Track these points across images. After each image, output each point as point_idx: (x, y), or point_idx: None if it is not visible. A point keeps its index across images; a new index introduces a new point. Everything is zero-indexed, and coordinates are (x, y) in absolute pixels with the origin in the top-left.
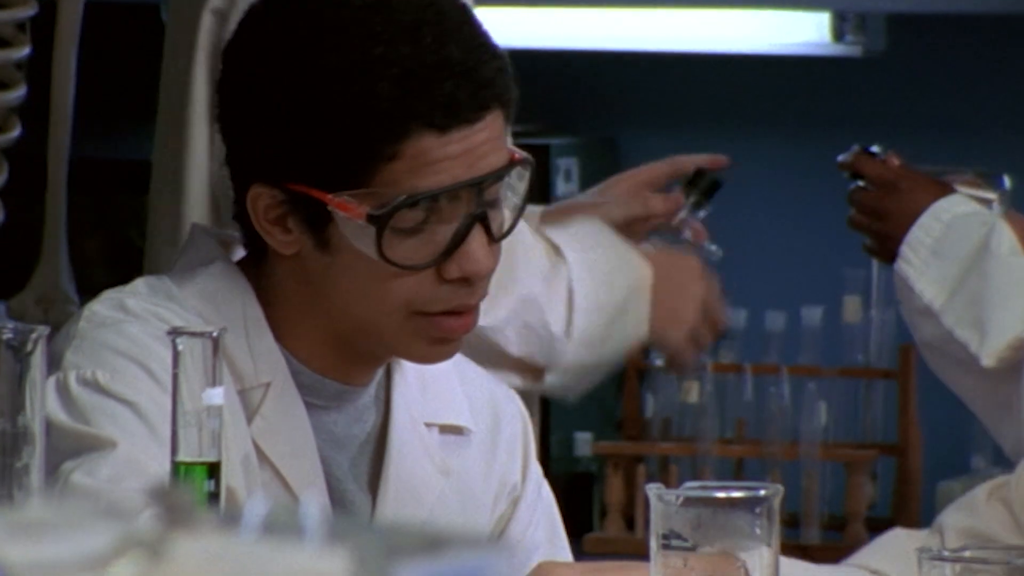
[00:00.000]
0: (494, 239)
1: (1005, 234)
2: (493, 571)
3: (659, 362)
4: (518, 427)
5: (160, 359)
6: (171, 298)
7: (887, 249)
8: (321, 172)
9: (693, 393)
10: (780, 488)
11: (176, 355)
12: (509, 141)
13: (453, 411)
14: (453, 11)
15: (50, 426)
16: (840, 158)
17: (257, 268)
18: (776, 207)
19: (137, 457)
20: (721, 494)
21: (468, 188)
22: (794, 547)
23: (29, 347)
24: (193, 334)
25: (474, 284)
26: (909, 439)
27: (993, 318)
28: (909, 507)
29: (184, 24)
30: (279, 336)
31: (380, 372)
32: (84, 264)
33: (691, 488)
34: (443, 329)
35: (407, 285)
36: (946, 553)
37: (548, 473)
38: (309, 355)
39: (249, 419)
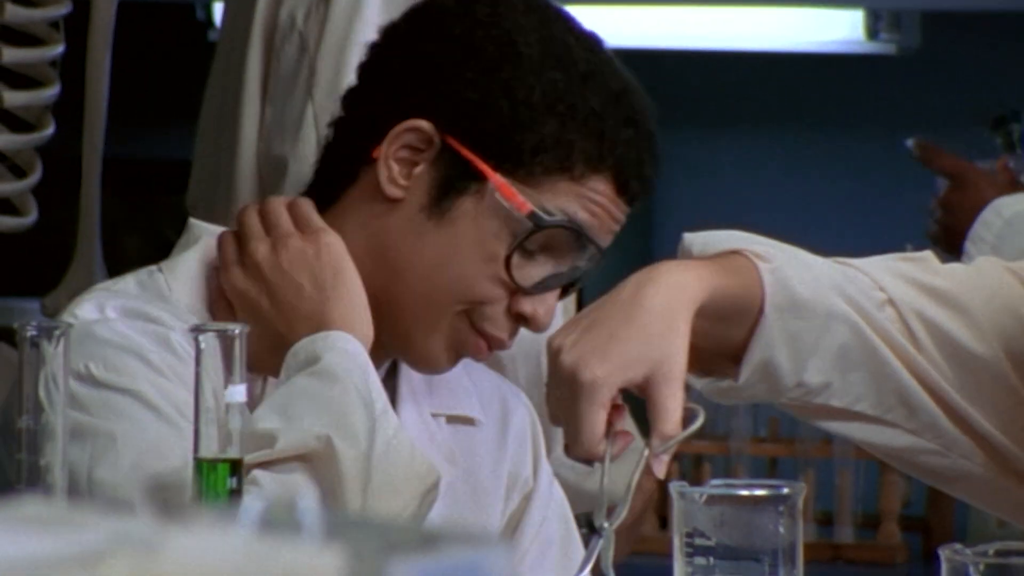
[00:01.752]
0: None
1: None
2: (489, 567)
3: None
4: (527, 422)
5: (149, 348)
6: (162, 297)
7: (952, 242)
8: (502, 149)
9: None
10: (803, 486)
11: (199, 352)
12: None
13: (461, 402)
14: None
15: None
16: (909, 143)
17: None
18: (808, 203)
19: (154, 443)
20: (744, 492)
21: (597, 253)
22: (827, 546)
23: (53, 344)
24: (215, 331)
25: (527, 328)
26: None
27: None
28: (943, 505)
29: (232, 10)
30: None
31: (384, 367)
32: (121, 263)
33: (714, 486)
34: (474, 346)
35: (486, 290)
36: (969, 552)
37: None
38: None
39: (253, 408)
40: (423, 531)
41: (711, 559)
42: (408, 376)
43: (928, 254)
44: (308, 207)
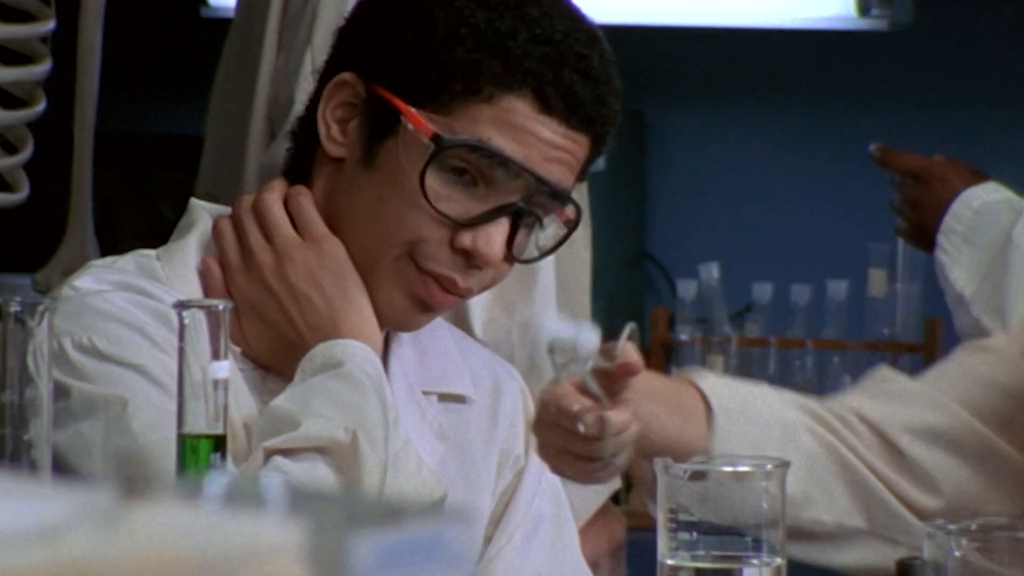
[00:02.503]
0: (511, 248)
1: None
2: (451, 541)
3: (684, 336)
4: (519, 400)
5: (150, 324)
6: (156, 278)
7: (923, 238)
8: (413, 84)
9: (718, 366)
10: (788, 462)
11: (182, 328)
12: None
13: (453, 379)
14: (606, 44)
15: (58, 393)
16: (871, 149)
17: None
18: (801, 181)
19: (163, 407)
20: (728, 468)
21: (530, 178)
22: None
23: (36, 320)
24: (199, 307)
25: (473, 267)
26: None
27: (1013, 307)
28: None
29: None
30: None
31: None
32: (115, 238)
33: (698, 462)
34: (427, 291)
35: (420, 228)
36: (952, 527)
37: None
38: None
39: (257, 391)
40: (386, 505)
41: (695, 534)
42: (400, 353)
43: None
44: (307, 206)
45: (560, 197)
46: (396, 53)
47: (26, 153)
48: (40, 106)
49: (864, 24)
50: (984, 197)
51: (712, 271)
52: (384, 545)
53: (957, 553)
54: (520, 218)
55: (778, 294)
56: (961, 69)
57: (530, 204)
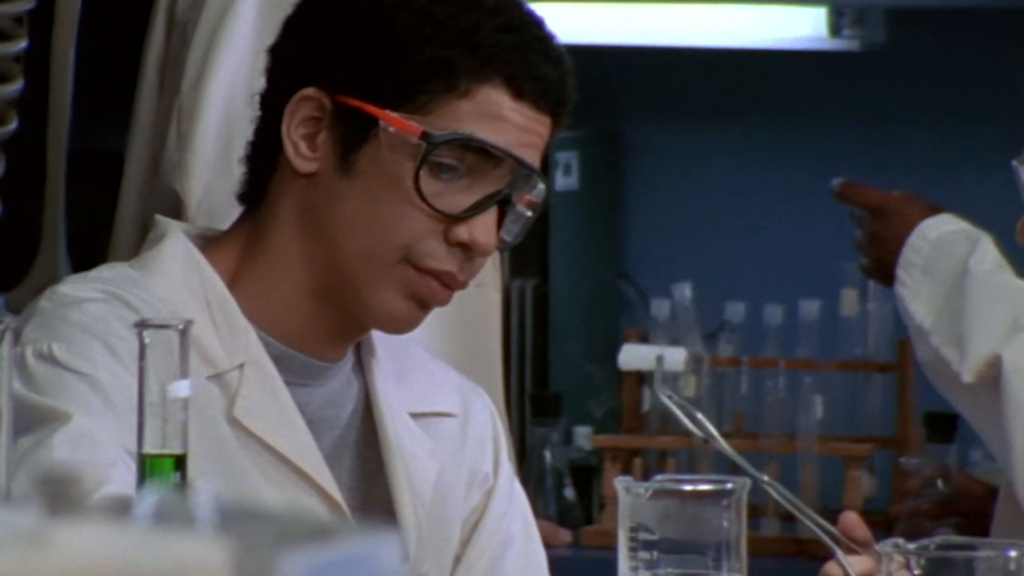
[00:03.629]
0: (501, 231)
1: (988, 251)
2: (380, 559)
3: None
4: (487, 420)
5: (121, 337)
6: (133, 283)
7: (885, 274)
8: (385, 88)
9: (691, 386)
10: (747, 481)
11: (142, 347)
12: None
13: (435, 398)
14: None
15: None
16: (832, 184)
17: (246, 221)
18: (774, 201)
19: (92, 429)
20: (688, 487)
21: (515, 164)
22: (790, 540)
23: None
24: (159, 326)
25: (470, 258)
26: (907, 432)
27: (971, 336)
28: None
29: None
30: (246, 310)
31: (351, 356)
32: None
33: (660, 481)
34: (426, 288)
35: (413, 227)
36: (911, 546)
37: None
38: (278, 327)
39: (231, 402)
40: (314, 523)
41: (655, 553)
42: (380, 376)
43: None
44: None
45: (534, 181)
46: (361, 60)
47: None
48: (12, 124)
49: (837, 44)
50: (939, 228)
51: (685, 291)
52: (312, 562)
53: (916, 572)
54: (506, 204)
55: (751, 314)
56: (934, 90)
57: (512, 189)
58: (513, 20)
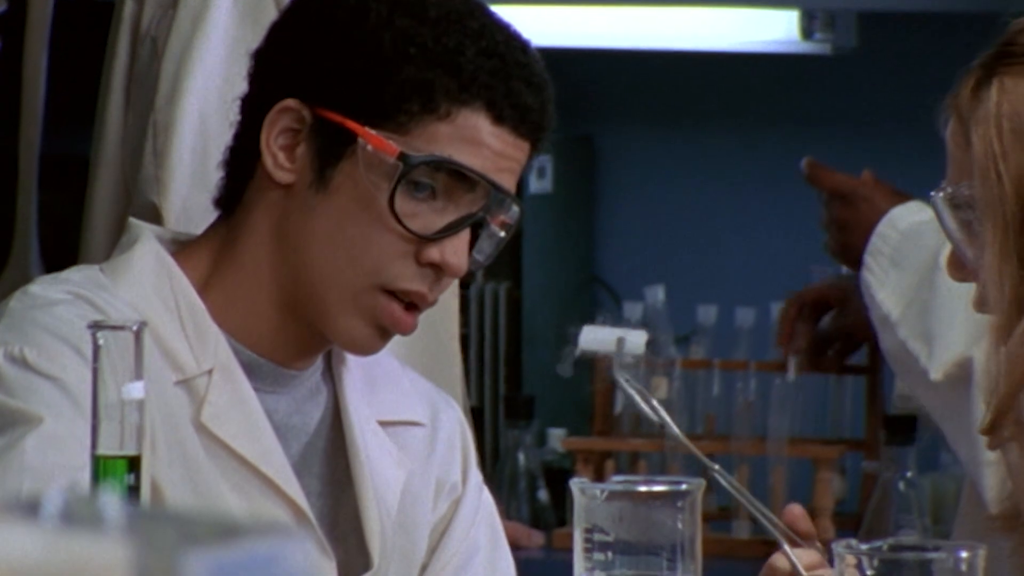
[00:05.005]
0: (473, 252)
1: None
2: (286, 559)
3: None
4: (456, 429)
5: (90, 340)
6: (102, 287)
7: (851, 259)
8: (366, 105)
9: (662, 389)
10: (702, 482)
11: (96, 349)
12: None
13: (404, 407)
14: (533, 48)
15: None
16: (802, 164)
17: (221, 227)
18: (745, 204)
19: (61, 433)
20: (643, 488)
21: (490, 188)
22: (761, 542)
23: None
24: (114, 328)
25: (441, 279)
26: (876, 435)
27: (940, 334)
28: (878, 502)
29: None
30: (216, 316)
31: (320, 364)
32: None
33: (615, 482)
34: (390, 317)
35: (384, 248)
36: (864, 547)
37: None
38: (247, 334)
39: (198, 407)
40: (220, 523)
41: (610, 554)
42: (350, 383)
43: None
44: None
45: (509, 204)
46: (343, 76)
47: None
48: None
49: (808, 48)
50: (910, 218)
51: (658, 294)
52: (217, 562)
53: (869, 572)
54: (478, 227)
55: (722, 316)
56: (905, 93)
57: (486, 213)
58: (497, 45)
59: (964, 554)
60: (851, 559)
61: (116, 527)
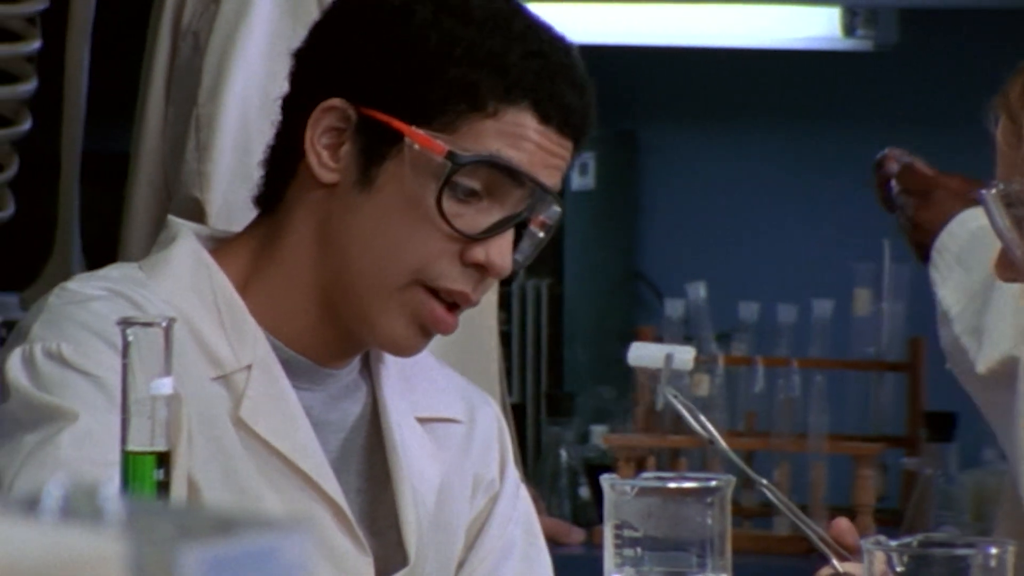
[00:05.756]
0: (515, 252)
1: None
2: (284, 553)
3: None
4: (493, 426)
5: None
6: (140, 284)
7: (920, 256)
8: (412, 105)
9: (704, 386)
10: (732, 478)
11: (126, 345)
12: None
13: (441, 404)
14: (576, 49)
15: (13, 395)
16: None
17: (261, 225)
18: (787, 201)
19: (97, 429)
20: (672, 484)
21: (536, 188)
22: (802, 539)
23: None
24: (143, 324)
25: (484, 279)
26: (917, 432)
27: (990, 330)
28: (919, 499)
29: (155, 9)
30: (255, 313)
31: (357, 361)
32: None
33: (645, 479)
34: (431, 316)
35: (428, 247)
36: (893, 543)
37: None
38: (286, 332)
39: (236, 403)
40: (218, 517)
41: (639, 550)
42: (388, 380)
43: None
44: None
45: (550, 203)
46: (389, 75)
47: (11, 171)
48: (25, 124)
49: (850, 44)
50: (982, 220)
51: (699, 290)
52: (213, 557)
53: (899, 569)
54: (522, 226)
55: (764, 313)
56: (947, 90)
57: (530, 212)
58: (542, 46)
59: (993, 551)
60: (881, 555)
61: (113, 522)
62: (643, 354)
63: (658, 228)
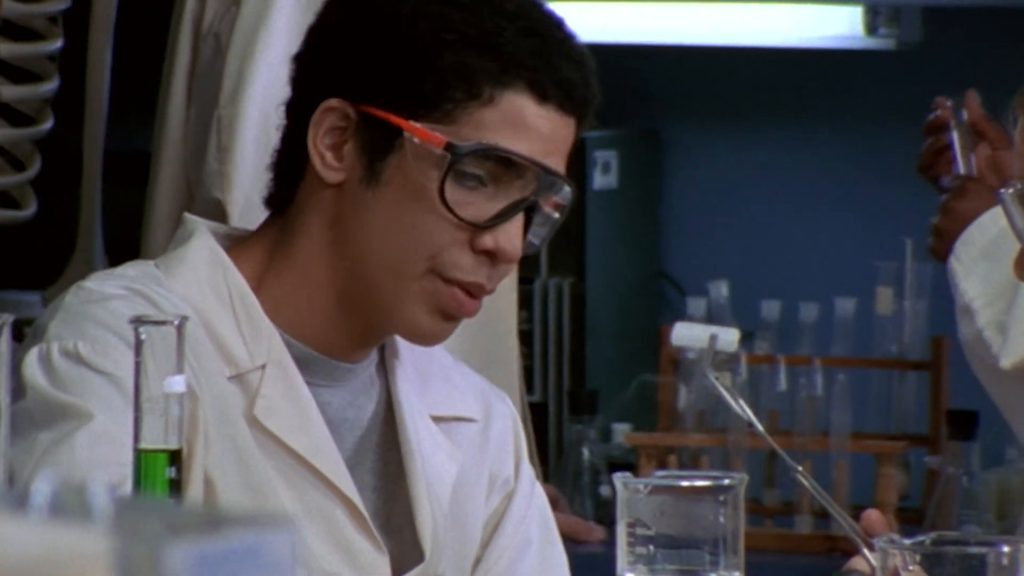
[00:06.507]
0: (529, 235)
1: None
2: (270, 549)
3: (692, 354)
4: (508, 424)
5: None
6: (157, 282)
7: (940, 245)
8: (408, 97)
9: (726, 383)
10: (744, 476)
11: (139, 343)
12: None
13: (455, 401)
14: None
15: (29, 394)
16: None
17: (273, 225)
18: (809, 199)
19: (112, 428)
20: (685, 483)
21: (539, 171)
22: (824, 537)
23: None
24: (156, 322)
25: (497, 266)
26: (939, 431)
27: (1017, 325)
28: (941, 498)
29: (176, 11)
30: (270, 312)
31: (374, 357)
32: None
33: (657, 477)
34: (453, 301)
35: (439, 237)
36: (906, 542)
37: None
38: (301, 329)
39: (251, 402)
40: (205, 514)
41: (651, 548)
42: (403, 378)
43: None
44: None
45: (559, 185)
46: (383, 70)
47: (33, 170)
48: (47, 124)
49: (872, 43)
50: None
51: (722, 289)
52: (200, 553)
53: (911, 567)
54: (531, 211)
55: (786, 312)
56: (970, 88)
57: (538, 195)
58: (534, 23)
59: (1006, 548)
60: (894, 554)
61: (101, 519)
62: (687, 334)
63: (680, 227)
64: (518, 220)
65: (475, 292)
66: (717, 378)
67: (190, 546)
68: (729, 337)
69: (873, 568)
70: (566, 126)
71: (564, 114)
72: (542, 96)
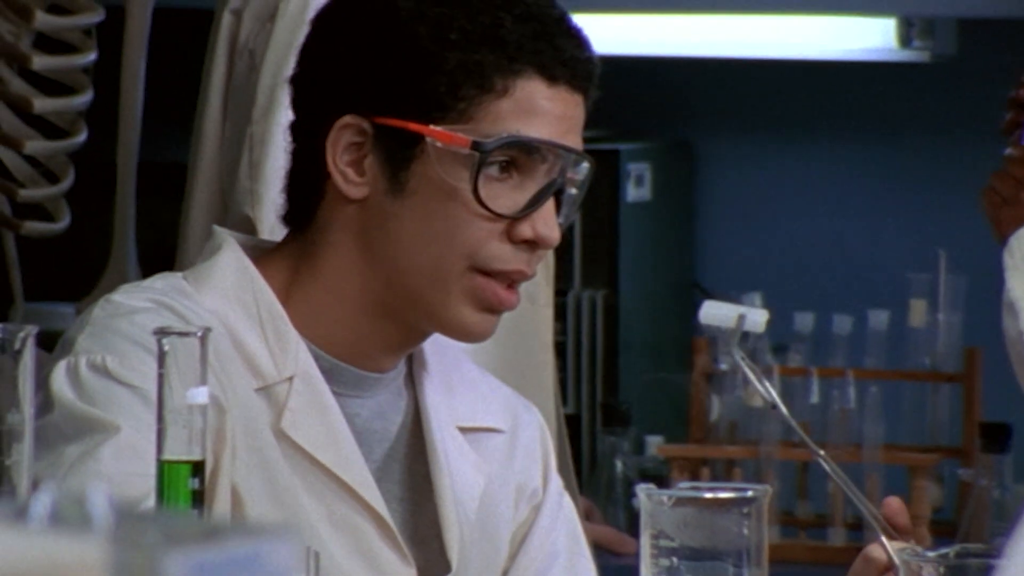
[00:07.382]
0: (558, 218)
1: None
2: (269, 559)
3: (725, 366)
4: (535, 435)
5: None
6: (185, 294)
7: (999, 232)
8: (422, 102)
9: (759, 397)
10: (768, 488)
11: (162, 354)
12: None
13: (483, 414)
14: None
15: (57, 407)
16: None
17: (295, 241)
18: (843, 211)
19: (138, 442)
20: (709, 495)
21: (560, 152)
22: (857, 549)
23: (18, 345)
24: (179, 334)
25: (535, 252)
26: (973, 443)
27: None
28: (975, 510)
29: (213, 26)
30: (298, 324)
31: (402, 368)
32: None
33: (681, 488)
34: (493, 296)
35: (475, 234)
36: (930, 554)
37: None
38: (329, 341)
39: (278, 414)
40: (205, 524)
41: (675, 560)
42: (430, 389)
43: None
44: None
45: (581, 164)
46: (391, 79)
47: (67, 182)
48: (81, 136)
49: (906, 56)
50: None
51: (755, 301)
52: (198, 563)
53: None
54: (562, 191)
55: (819, 324)
56: (1004, 101)
57: (562, 178)
58: (529, 7)
59: None
60: (917, 566)
61: (100, 529)
62: (715, 312)
63: (714, 239)
64: (550, 204)
65: (516, 279)
66: (742, 358)
67: (189, 555)
68: (757, 317)
69: (891, 557)
70: (576, 104)
71: (573, 91)
72: (551, 78)
